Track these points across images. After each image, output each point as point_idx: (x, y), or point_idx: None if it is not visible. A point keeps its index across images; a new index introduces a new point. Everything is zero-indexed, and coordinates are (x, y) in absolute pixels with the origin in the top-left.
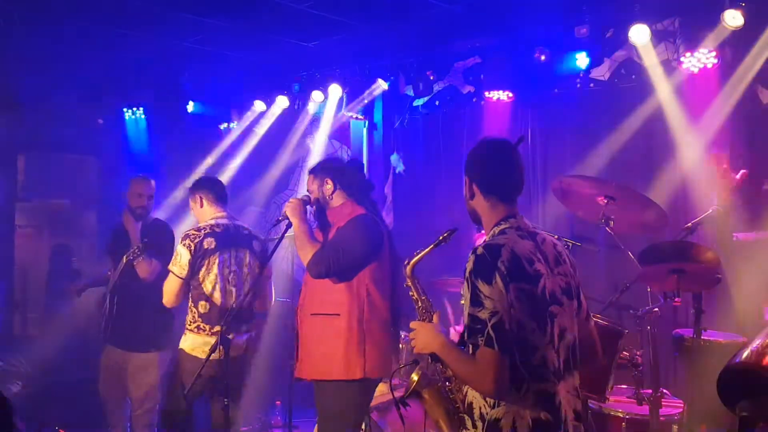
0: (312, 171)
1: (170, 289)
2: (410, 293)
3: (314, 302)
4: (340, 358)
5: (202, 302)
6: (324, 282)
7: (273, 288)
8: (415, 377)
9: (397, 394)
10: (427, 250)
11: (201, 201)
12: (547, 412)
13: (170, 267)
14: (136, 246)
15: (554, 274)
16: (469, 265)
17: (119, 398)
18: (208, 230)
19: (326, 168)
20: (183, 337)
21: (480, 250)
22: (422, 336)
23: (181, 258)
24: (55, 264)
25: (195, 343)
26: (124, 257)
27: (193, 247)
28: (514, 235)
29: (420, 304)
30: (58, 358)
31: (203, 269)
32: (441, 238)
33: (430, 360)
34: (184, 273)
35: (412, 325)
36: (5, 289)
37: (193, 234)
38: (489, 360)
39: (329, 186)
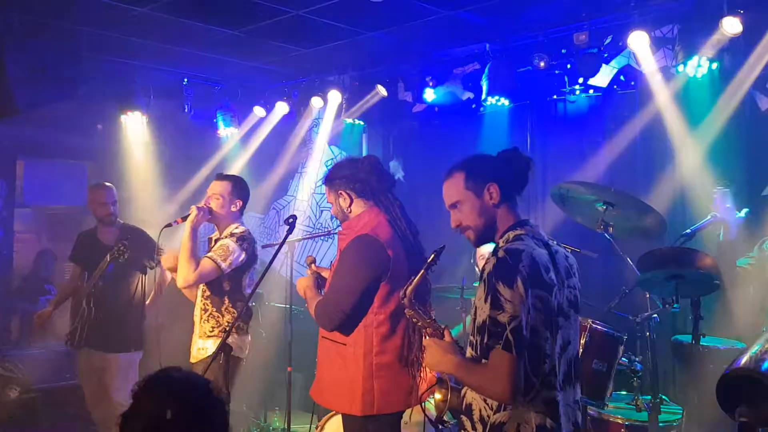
0: (325, 182)
1: (206, 277)
2: (414, 321)
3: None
4: (345, 392)
5: (240, 303)
6: None
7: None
8: (439, 396)
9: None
10: (419, 275)
11: (241, 207)
12: (552, 420)
13: (220, 261)
14: (119, 244)
15: (564, 286)
16: (489, 267)
17: (104, 402)
18: (251, 236)
19: (338, 177)
20: (216, 341)
21: (501, 254)
22: (432, 354)
23: (236, 257)
24: (40, 269)
25: (241, 342)
26: (108, 255)
27: (249, 251)
28: (531, 242)
29: (429, 329)
30: (55, 364)
31: (247, 273)
32: (429, 260)
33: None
34: (228, 270)
35: (424, 342)
36: (3, 294)
37: (246, 237)
38: (506, 364)
39: (345, 199)
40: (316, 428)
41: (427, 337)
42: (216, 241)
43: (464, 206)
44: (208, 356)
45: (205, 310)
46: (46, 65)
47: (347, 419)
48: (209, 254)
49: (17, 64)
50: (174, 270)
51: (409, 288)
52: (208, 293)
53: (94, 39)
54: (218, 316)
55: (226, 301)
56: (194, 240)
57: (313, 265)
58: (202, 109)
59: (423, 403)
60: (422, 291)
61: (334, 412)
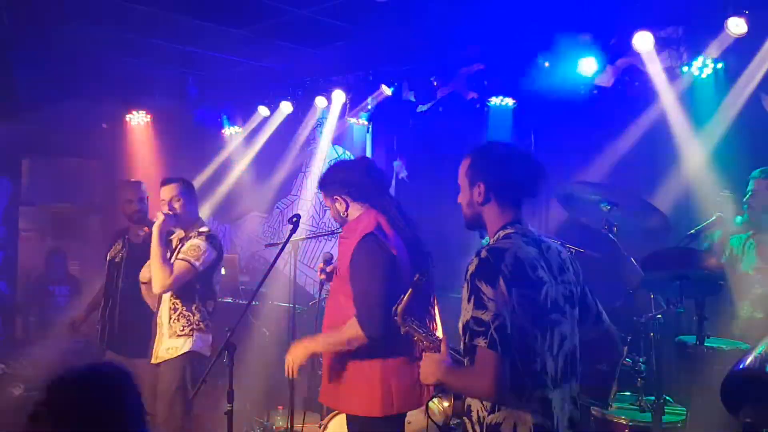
0: (320, 187)
1: (182, 279)
2: (411, 337)
3: (332, 328)
4: (363, 394)
5: (210, 301)
6: (338, 306)
7: None
8: (447, 403)
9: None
10: (407, 294)
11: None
12: (547, 418)
13: (194, 261)
14: (116, 244)
15: (557, 282)
16: (472, 268)
17: None
18: (217, 234)
19: (332, 182)
20: (188, 339)
21: (484, 254)
22: (425, 367)
23: (208, 255)
24: (50, 268)
25: (207, 342)
26: (107, 255)
27: (219, 248)
28: (519, 240)
29: (426, 343)
30: (60, 361)
31: (216, 271)
32: (415, 279)
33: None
34: (201, 269)
35: (423, 358)
36: (8, 292)
37: (214, 235)
38: (490, 362)
39: (341, 203)
40: (320, 427)
41: (424, 352)
42: (182, 240)
43: (462, 192)
44: (178, 355)
45: (175, 310)
46: (52, 64)
47: (363, 421)
48: (182, 256)
49: (22, 63)
50: (149, 281)
51: (399, 307)
52: (178, 292)
53: (100, 37)
54: (189, 315)
55: (197, 300)
56: (164, 245)
57: (326, 269)
58: (206, 108)
59: (427, 406)
60: (423, 300)
61: (337, 411)
